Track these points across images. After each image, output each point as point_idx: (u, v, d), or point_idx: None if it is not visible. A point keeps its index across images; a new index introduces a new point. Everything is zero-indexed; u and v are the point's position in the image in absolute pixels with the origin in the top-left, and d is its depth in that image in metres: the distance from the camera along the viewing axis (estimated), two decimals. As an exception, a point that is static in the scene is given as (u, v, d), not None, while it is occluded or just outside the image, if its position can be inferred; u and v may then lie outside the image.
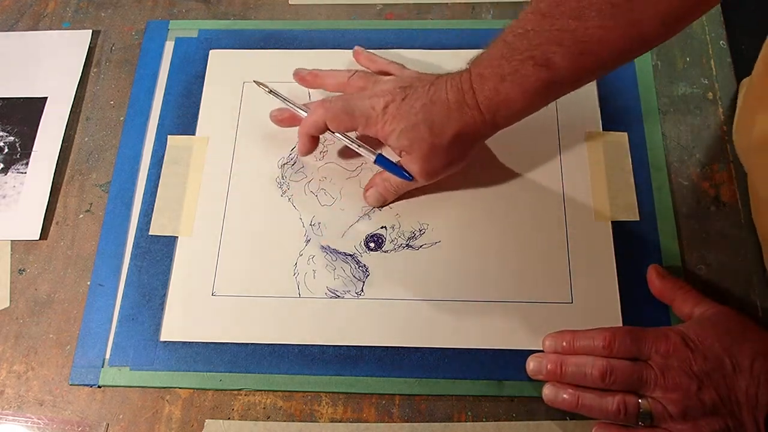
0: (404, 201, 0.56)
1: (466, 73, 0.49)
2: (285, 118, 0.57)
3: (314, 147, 0.54)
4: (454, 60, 0.61)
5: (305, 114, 0.54)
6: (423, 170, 0.51)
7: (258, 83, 0.57)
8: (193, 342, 0.51)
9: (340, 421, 0.49)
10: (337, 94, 0.55)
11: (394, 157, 0.53)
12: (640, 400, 0.45)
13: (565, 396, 0.46)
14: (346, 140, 0.53)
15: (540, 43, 0.45)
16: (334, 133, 0.53)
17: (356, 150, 0.54)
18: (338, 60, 0.62)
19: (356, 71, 0.56)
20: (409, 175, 0.52)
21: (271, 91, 0.56)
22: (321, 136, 0.54)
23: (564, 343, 0.48)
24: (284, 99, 0.55)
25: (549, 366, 0.47)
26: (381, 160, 0.53)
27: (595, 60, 0.45)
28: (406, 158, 0.51)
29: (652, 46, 0.47)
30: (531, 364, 0.48)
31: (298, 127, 0.54)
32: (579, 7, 0.43)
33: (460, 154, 0.52)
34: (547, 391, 0.47)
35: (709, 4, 0.43)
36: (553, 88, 0.48)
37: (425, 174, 0.52)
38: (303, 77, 0.58)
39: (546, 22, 0.44)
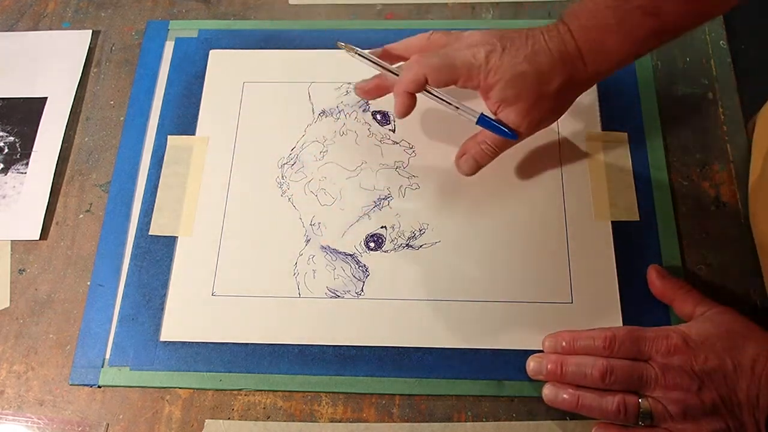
0: (404, 201, 0.56)
1: (562, 25, 0.49)
2: (371, 88, 0.56)
3: (413, 106, 0.52)
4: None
5: (396, 76, 0.52)
6: (527, 121, 0.50)
7: (344, 46, 0.54)
8: (193, 342, 0.51)
9: (340, 421, 0.49)
10: None
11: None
12: (640, 400, 0.45)
13: (565, 396, 0.46)
14: (444, 99, 0.52)
15: None
16: (429, 92, 0.51)
17: (454, 110, 0.52)
18: (338, 60, 0.62)
19: (433, 31, 0.54)
20: (514, 133, 0.51)
21: (358, 53, 0.54)
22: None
23: (564, 344, 0.48)
24: (374, 62, 0.53)
25: (549, 366, 0.47)
26: (484, 120, 0.51)
27: (706, 3, 0.46)
28: (508, 111, 0.50)
29: None
30: (531, 364, 0.48)
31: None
32: None
33: (562, 104, 0.52)
34: (547, 391, 0.47)
35: None
36: (660, 37, 0.48)
37: (529, 125, 0.51)
38: (385, 51, 0.55)
39: None
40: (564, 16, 0.50)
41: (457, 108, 0.52)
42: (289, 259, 0.54)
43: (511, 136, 0.51)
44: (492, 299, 0.52)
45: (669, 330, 0.46)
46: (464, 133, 0.58)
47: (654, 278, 0.51)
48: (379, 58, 0.54)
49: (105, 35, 0.65)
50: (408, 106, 0.52)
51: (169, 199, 0.57)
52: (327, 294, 0.53)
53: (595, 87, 0.59)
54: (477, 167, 0.54)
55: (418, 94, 0.52)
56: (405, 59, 0.54)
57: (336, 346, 0.51)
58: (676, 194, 0.55)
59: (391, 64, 0.54)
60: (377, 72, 0.55)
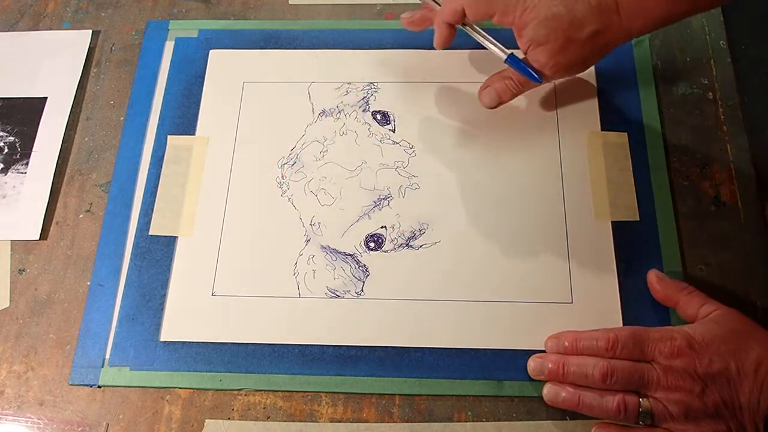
0: (404, 201, 0.56)
1: None
2: (416, 20, 0.57)
3: (452, 37, 0.55)
4: (454, 60, 0.61)
5: (439, 7, 0.54)
6: (553, 62, 0.52)
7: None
8: (193, 342, 0.51)
9: (340, 421, 0.49)
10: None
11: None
12: (641, 400, 0.45)
13: (565, 395, 0.46)
14: (478, 33, 0.54)
15: None
16: (465, 26, 0.54)
17: (487, 45, 0.55)
18: (338, 60, 0.62)
19: None
20: (539, 76, 0.52)
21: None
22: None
23: (566, 344, 0.48)
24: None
25: (550, 366, 0.47)
26: (513, 60, 0.53)
27: None
28: (537, 50, 0.52)
29: None
30: (532, 365, 0.48)
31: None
32: None
33: (591, 55, 0.52)
34: (548, 391, 0.47)
35: None
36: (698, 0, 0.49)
37: (554, 67, 0.52)
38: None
39: None
40: None
41: (491, 44, 0.54)
42: (289, 259, 0.54)
43: (535, 79, 0.53)
44: (492, 299, 0.52)
45: (673, 331, 0.46)
46: (464, 134, 0.58)
47: (654, 283, 0.51)
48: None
49: (105, 35, 0.65)
50: (446, 37, 0.55)
51: (169, 199, 0.57)
52: (327, 294, 0.53)
53: (595, 87, 0.59)
54: (497, 102, 0.56)
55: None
56: None
57: (336, 346, 0.51)
58: (676, 194, 0.55)
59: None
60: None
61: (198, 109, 0.60)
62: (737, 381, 0.44)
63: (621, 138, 0.57)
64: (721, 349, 0.45)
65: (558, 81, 0.59)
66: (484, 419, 0.49)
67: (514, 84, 0.55)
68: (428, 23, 0.57)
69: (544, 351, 0.49)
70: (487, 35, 0.54)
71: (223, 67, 0.62)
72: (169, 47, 0.63)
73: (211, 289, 0.53)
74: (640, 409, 0.45)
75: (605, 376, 0.45)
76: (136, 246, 0.55)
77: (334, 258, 0.54)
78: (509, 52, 0.54)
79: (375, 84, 0.61)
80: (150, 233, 0.55)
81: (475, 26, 0.54)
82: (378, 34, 0.63)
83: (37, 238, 0.56)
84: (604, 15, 0.50)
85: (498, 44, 0.54)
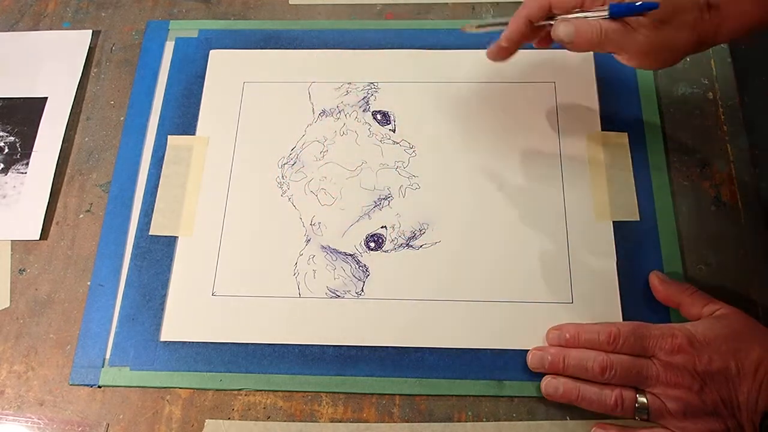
0: (404, 201, 0.56)
1: None
2: (502, 49, 0.52)
3: (527, 35, 0.50)
4: (454, 60, 0.61)
5: (508, 23, 0.50)
6: (654, 36, 0.47)
7: (468, 26, 0.53)
8: (193, 342, 0.51)
9: (340, 421, 0.49)
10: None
11: None
12: (638, 395, 0.45)
13: (564, 389, 0.47)
14: (568, 17, 0.48)
15: None
16: (549, 18, 0.49)
17: (585, 16, 0.48)
18: (338, 60, 0.62)
19: None
20: (657, 2, 0.46)
21: (479, 26, 0.53)
22: None
23: (568, 336, 0.48)
24: (497, 23, 0.52)
25: (551, 358, 0.48)
26: (618, 7, 0.47)
27: None
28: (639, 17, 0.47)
29: None
30: (532, 358, 0.49)
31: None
32: None
33: (681, 45, 0.48)
34: (546, 384, 0.47)
35: None
36: None
37: (650, 31, 0.47)
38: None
39: None
40: None
41: (586, 15, 0.48)
42: (290, 259, 0.54)
43: (653, 5, 0.46)
44: (492, 299, 0.52)
45: (674, 328, 0.46)
46: (465, 134, 0.58)
47: (657, 284, 0.51)
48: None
49: (105, 35, 0.65)
50: (521, 33, 0.49)
51: (169, 199, 0.57)
52: (327, 294, 0.53)
53: (595, 87, 0.59)
54: (573, 38, 0.48)
55: None
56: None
57: (336, 346, 0.51)
58: (676, 194, 0.55)
59: None
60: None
61: (198, 109, 0.60)
62: (736, 380, 0.44)
63: (621, 138, 0.57)
64: (722, 348, 0.45)
65: (558, 81, 0.59)
66: (484, 419, 0.49)
67: (599, 30, 0.47)
68: (516, 46, 0.51)
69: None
70: (574, 12, 0.48)
71: (223, 67, 0.62)
72: (169, 47, 0.63)
73: (211, 289, 0.53)
74: (637, 404, 0.45)
75: (604, 369, 0.45)
76: (136, 246, 0.55)
77: (334, 258, 0.54)
78: (606, 8, 0.47)
79: (375, 84, 0.61)
80: (150, 233, 0.55)
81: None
82: (378, 34, 0.63)
83: (38, 238, 0.56)
84: (696, 10, 0.47)
85: (591, 11, 0.48)
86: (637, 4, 0.46)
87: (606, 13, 0.47)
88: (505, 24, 0.51)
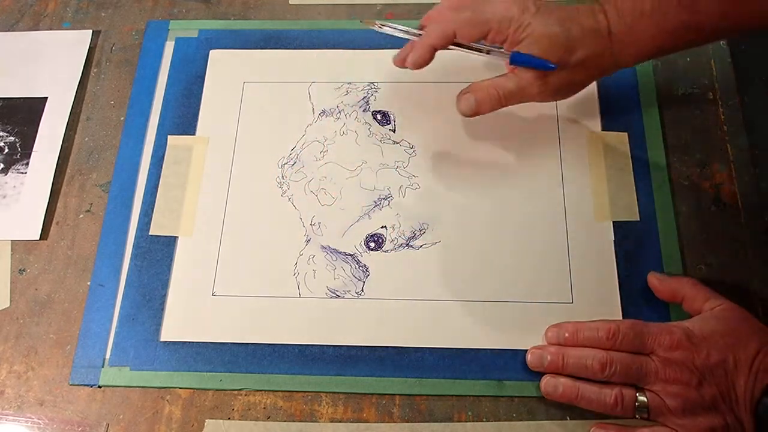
0: (404, 201, 0.56)
1: (597, 5, 0.49)
2: (405, 57, 0.54)
3: (430, 60, 0.52)
4: (454, 60, 0.61)
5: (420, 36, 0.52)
6: (541, 83, 0.51)
7: (368, 22, 0.55)
8: (193, 342, 0.51)
9: (340, 421, 0.49)
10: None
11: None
12: (638, 393, 0.45)
13: (564, 388, 0.47)
14: (471, 50, 0.52)
15: None
16: (458, 46, 0.52)
17: (484, 56, 0.52)
18: (338, 60, 0.62)
19: None
20: (554, 64, 0.49)
21: (383, 26, 0.54)
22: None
23: (567, 334, 0.48)
24: (398, 29, 0.54)
25: (550, 358, 0.48)
26: (518, 56, 0.50)
27: (747, 11, 0.45)
28: (527, 69, 0.50)
29: None
30: (531, 356, 0.49)
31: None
32: None
33: (578, 81, 0.52)
34: (546, 383, 0.47)
35: None
36: (691, 34, 0.48)
37: (541, 86, 0.51)
38: (420, 26, 0.54)
39: None
40: None
41: (489, 52, 0.52)
42: (289, 259, 0.54)
43: (550, 66, 0.50)
44: (492, 299, 0.52)
45: (672, 325, 0.47)
46: (465, 133, 0.58)
47: (656, 283, 0.51)
48: (419, 27, 0.54)
49: (105, 35, 0.65)
50: (426, 60, 0.52)
51: (169, 199, 0.57)
52: (327, 294, 0.53)
53: (595, 87, 0.59)
54: (475, 111, 0.53)
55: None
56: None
57: (336, 346, 0.51)
58: (676, 194, 0.55)
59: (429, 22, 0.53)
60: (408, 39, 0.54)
61: (198, 109, 0.60)
62: (734, 373, 0.44)
63: (621, 138, 0.57)
64: (720, 343, 0.45)
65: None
66: (484, 419, 0.49)
67: (497, 95, 0.52)
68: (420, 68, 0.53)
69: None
70: (482, 45, 0.52)
71: (223, 67, 0.62)
72: (169, 47, 0.63)
73: (211, 289, 0.53)
74: (636, 403, 0.45)
75: (604, 366, 0.45)
76: (136, 246, 0.55)
77: (334, 258, 0.54)
78: (509, 53, 0.51)
79: (375, 84, 0.61)
80: (150, 233, 0.55)
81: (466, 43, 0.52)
82: (378, 34, 0.63)
83: (38, 238, 0.56)
84: (597, 41, 0.49)
85: (497, 48, 0.52)
86: (536, 60, 0.50)
87: (507, 59, 0.51)
88: (409, 35, 0.53)
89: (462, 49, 0.52)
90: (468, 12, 0.51)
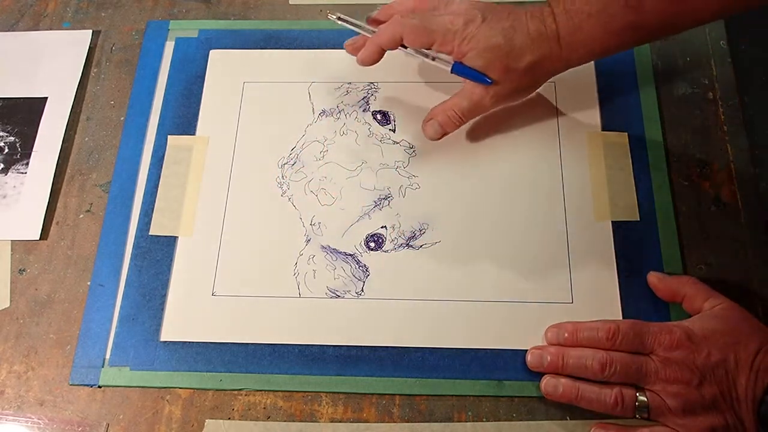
0: (404, 201, 0.56)
1: (547, 7, 0.50)
2: (359, 45, 0.57)
3: (378, 60, 0.55)
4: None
5: (374, 32, 0.55)
6: (493, 94, 0.52)
7: (330, 13, 0.57)
8: (193, 342, 0.51)
9: (340, 421, 0.49)
10: None
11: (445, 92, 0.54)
12: (638, 393, 0.45)
13: (564, 389, 0.47)
14: (418, 54, 0.54)
15: None
16: (405, 48, 0.54)
17: (430, 61, 0.55)
18: (338, 60, 0.62)
19: None
20: (490, 79, 0.52)
21: (339, 18, 0.57)
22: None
23: (567, 334, 0.48)
24: (355, 24, 0.56)
25: (550, 358, 0.48)
26: (459, 68, 0.53)
27: (689, 10, 0.46)
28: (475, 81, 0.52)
29: (755, 6, 0.47)
30: (532, 357, 0.49)
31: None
32: None
33: (530, 83, 0.53)
34: (546, 384, 0.47)
35: None
36: (637, 33, 0.49)
37: (494, 97, 0.53)
38: (374, 19, 0.57)
39: None
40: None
41: (433, 59, 0.54)
42: (289, 259, 0.54)
43: (486, 81, 0.52)
44: (492, 299, 0.52)
45: (672, 325, 0.47)
46: (464, 134, 0.58)
47: (656, 283, 0.51)
48: (372, 19, 0.57)
49: (105, 35, 0.65)
50: (374, 59, 0.54)
51: (169, 199, 0.57)
52: (327, 294, 0.53)
53: (595, 87, 0.59)
54: (441, 133, 0.56)
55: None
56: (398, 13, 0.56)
57: (336, 346, 0.51)
58: (676, 194, 0.55)
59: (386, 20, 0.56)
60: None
61: (198, 109, 0.60)
62: (735, 372, 0.44)
63: (621, 138, 0.57)
64: (720, 342, 0.45)
65: (557, 80, 0.59)
66: (484, 419, 0.49)
67: (456, 115, 0.54)
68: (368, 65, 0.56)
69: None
70: (428, 51, 0.54)
71: (223, 67, 0.62)
72: (169, 47, 0.63)
73: (211, 289, 0.53)
74: (637, 403, 0.45)
75: (604, 366, 0.45)
76: (136, 246, 0.55)
77: (334, 258, 0.54)
78: (453, 61, 0.53)
79: (375, 84, 0.61)
80: (150, 233, 0.55)
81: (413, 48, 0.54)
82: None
83: (38, 238, 0.56)
84: (544, 45, 0.50)
85: (442, 57, 0.54)
86: (475, 73, 0.52)
87: (449, 68, 0.53)
88: (362, 31, 0.56)
89: (409, 52, 0.54)
90: (416, 20, 0.52)
